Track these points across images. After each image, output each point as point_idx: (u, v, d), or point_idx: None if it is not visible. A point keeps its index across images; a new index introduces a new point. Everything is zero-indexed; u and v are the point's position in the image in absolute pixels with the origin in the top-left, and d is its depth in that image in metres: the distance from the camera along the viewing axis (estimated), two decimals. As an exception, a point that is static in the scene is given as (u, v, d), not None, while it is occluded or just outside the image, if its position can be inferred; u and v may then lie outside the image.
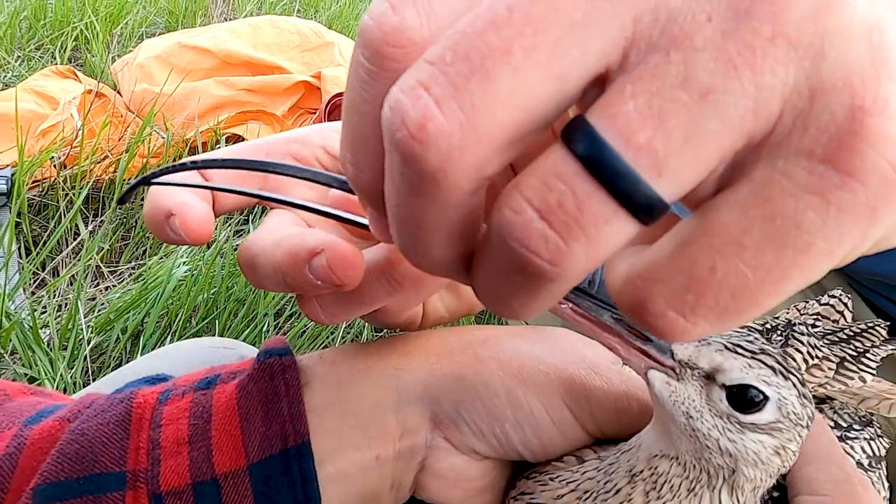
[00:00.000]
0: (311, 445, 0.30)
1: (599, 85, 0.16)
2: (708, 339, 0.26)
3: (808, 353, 0.44)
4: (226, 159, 0.27)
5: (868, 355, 0.46)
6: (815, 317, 0.57)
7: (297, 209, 0.28)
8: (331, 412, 0.31)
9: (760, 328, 0.47)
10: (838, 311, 0.56)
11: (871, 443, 0.42)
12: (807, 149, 0.15)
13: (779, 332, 0.46)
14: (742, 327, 0.45)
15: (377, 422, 0.31)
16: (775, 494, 0.30)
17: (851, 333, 0.49)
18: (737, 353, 0.25)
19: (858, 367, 0.44)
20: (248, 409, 0.31)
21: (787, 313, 0.56)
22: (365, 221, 0.27)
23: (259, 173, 0.32)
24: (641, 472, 0.28)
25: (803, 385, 0.26)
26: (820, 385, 0.42)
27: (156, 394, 0.33)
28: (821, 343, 0.47)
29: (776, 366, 0.25)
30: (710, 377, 0.25)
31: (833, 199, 0.15)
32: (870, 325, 0.50)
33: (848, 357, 0.45)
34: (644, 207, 0.16)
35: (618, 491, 0.28)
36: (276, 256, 0.28)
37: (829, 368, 0.44)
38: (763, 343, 0.26)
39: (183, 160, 0.27)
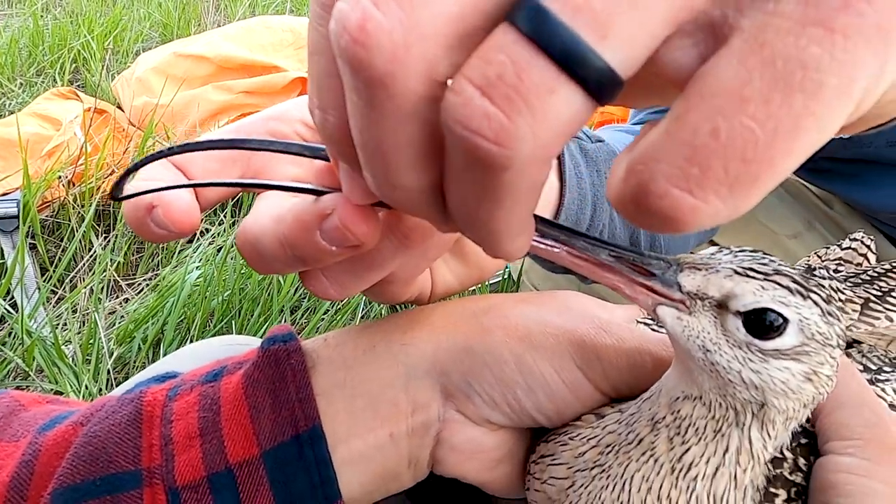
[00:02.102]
0: (323, 429, 0.30)
1: None
2: (716, 266, 0.24)
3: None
4: (200, 141, 0.26)
5: (894, 294, 0.44)
6: (836, 262, 0.55)
7: (282, 191, 0.28)
8: (340, 394, 0.31)
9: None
10: (861, 254, 0.54)
11: None
12: None
13: (798, 279, 0.44)
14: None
15: (387, 400, 0.31)
16: (803, 441, 0.29)
17: (875, 274, 0.47)
18: (748, 276, 0.23)
19: (885, 307, 0.43)
20: (255, 397, 0.30)
21: (808, 260, 0.55)
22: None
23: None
24: (664, 417, 0.26)
25: (828, 301, 0.24)
26: (846, 328, 0.40)
27: (165, 391, 0.32)
28: (843, 286, 0.45)
29: (793, 285, 0.23)
30: (722, 305, 0.24)
31: (837, 26, 0.14)
32: (894, 264, 0.48)
33: (872, 298, 0.43)
34: (592, 77, 0.15)
35: (640, 441, 0.27)
36: (280, 231, 0.26)
37: (854, 310, 0.43)
38: (779, 264, 0.24)
39: (161, 149, 0.26)
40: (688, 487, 0.26)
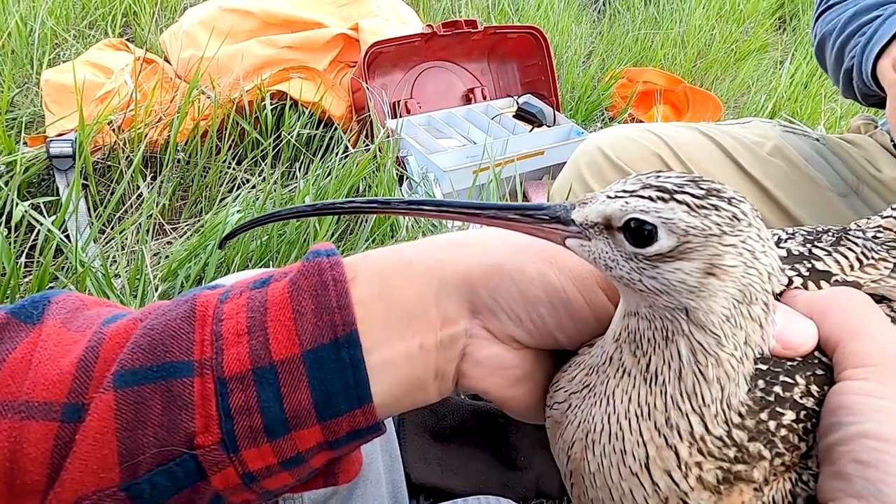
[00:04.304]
0: (359, 335, 0.32)
1: None
2: (598, 197, 0.26)
3: (863, 252, 0.43)
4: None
5: (928, 255, 0.44)
6: (876, 229, 0.54)
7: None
8: (376, 304, 0.33)
9: (811, 229, 0.45)
10: None
11: None
12: None
13: (830, 234, 0.45)
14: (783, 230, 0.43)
15: (419, 312, 0.33)
16: (819, 372, 0.30)
17: (912, 238, 0.47)
18: (618, 197, 0.25)
19: (917, 267, 0.43)
20: (299, 301, 0.33)
21: (848, 227, 0.54)
22: None
23: None
24: (620, 334, 0.29)
25: (704, 196, 0.25)
26: (874, 281, 0.41)
27: (216, 294, 0.35)
28: (878, 247, 0.45)
29: (655, 194, 0.25)
30: (609, 227, 0.26)
31: None
32: (932, 229, 0.47)
33: (906, 257, 0.43)
34: None
35: (611, 358, 0.29)
36: None
37: (885, 268, 0.43)
38: (657, 178, 0.25)
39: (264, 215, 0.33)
40: (661, 392, 0.28)
